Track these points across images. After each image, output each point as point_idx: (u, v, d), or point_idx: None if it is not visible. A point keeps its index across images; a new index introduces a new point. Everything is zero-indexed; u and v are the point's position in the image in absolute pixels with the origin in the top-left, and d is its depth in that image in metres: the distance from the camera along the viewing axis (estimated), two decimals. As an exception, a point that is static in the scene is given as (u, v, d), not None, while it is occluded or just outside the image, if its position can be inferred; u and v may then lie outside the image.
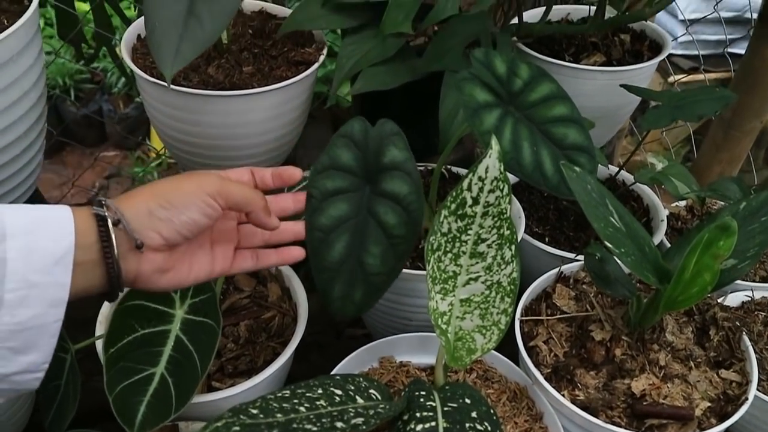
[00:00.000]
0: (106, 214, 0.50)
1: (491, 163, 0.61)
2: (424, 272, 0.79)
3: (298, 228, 0.66)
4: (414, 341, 0.77)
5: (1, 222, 0.45)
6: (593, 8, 1.08)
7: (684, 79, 1.97)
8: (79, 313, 0.81)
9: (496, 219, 0.63)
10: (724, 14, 2.05)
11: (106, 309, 0.78)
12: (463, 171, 0.97)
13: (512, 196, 0.67)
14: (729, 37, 2.45)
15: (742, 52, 2.24)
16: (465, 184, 0.61)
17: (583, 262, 0.83)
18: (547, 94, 0.74)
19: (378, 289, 0.71)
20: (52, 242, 0.47)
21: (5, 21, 0.79)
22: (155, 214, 0.52)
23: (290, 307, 0.81)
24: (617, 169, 1.01)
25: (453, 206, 0.62)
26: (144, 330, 0.69)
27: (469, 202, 0.62)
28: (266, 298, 0.82)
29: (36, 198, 0.99)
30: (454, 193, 0.61)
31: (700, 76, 2.06)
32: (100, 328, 0.76)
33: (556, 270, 0.82)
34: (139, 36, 0.92)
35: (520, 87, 0.73)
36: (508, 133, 0.71)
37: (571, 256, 0.85)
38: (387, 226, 0.70)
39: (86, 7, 1.15)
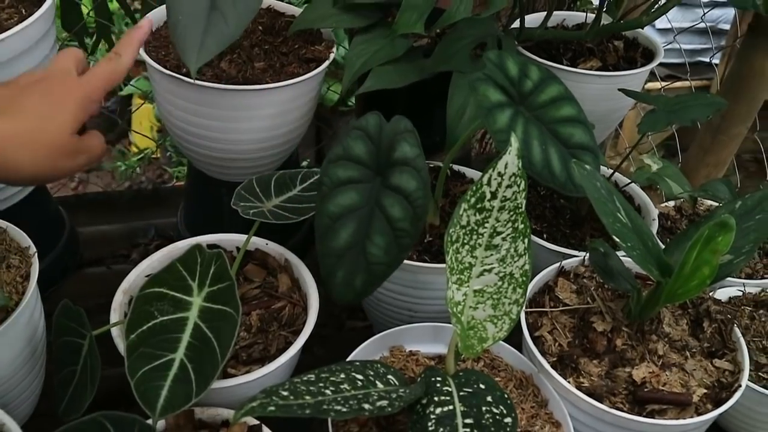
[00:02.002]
0: None
1: (510, 159, 0.64)
2: (429, 265, 0.83)
3: None
4: (422, 331, 0.79)
5: None
6: (589, 15, 1.13)
7: (658, 86, 2.04)
8: (90, 301, 0.83)
9: (511, 213, 0.66)
10: (700, 24, 2.13)
11: (119, 296, 0.79)
12: (464, 169, 1.00)
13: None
14: (704, 46, 2.54)
15: (716, 61, 2.32)
16: (485, 178, 0.64)
17: (581, 258, 0.87)
18: (556, 96, 0.77)
19: (378, 277, 0.74)
20: None
21: (23, 11, 0.80)
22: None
23: (300, 298, 0.83)
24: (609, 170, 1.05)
25: (473, 200, 0.65)
26: (163, 317, 0.71)
27: (488, 196, 0.65)
28: (276, 289, 0.84)
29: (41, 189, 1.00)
30: (474, 188, 0.64)
31: (676, 84, 2.14)
32: (114, 316, 0.77)
33: (557, 264, 0.85)
34: (153, 30, 0.93)
35: (530, 88, 0.77)
36: (519, 132, 0.75)
37: (572, 252, 0.89)
38: (393, 218, 0.72)
39: (88, -2, 1.16)
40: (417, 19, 0.82)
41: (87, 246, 1.10)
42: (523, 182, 0.65)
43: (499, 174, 0.64)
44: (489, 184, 0.64)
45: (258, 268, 0.86)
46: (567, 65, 1.03)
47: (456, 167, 1.01)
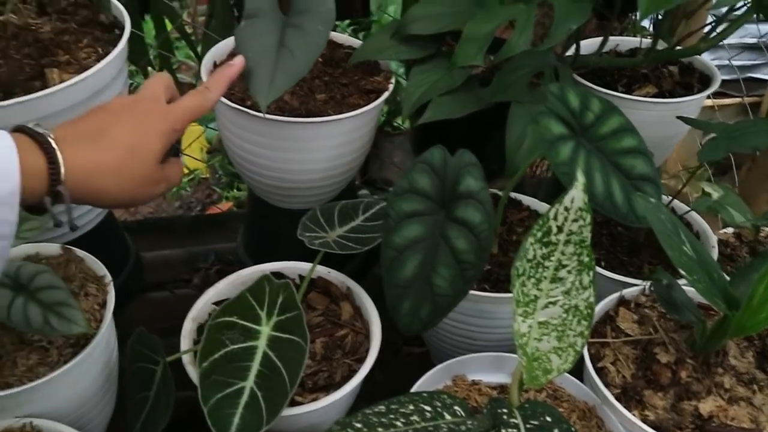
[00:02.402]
0: (60, 161, 0.54)
1: (576, 194, 0.64)
2: (490, 294, 0.84)
3: None
4: (484, 361, 0.80)
5: None
6: (644, 41, 1.13)
7: (709, 103, 2.01)
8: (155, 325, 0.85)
9: (577, 246, 0.66)
10: (747, 40, 2.10)
11: (189, 324, 0.82)
12: (520, 196, 1.01)
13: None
14: (755, 62, 2.50)
15: (764, 77, 2.28)
16: (551, 213, 0.65)
17: (641, 287, 0.86)
18: (617, 127, 0.78)
19: (444, 309, 0.75)
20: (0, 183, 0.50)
21: (100, 50, 0.84)
22: (95, 148, 0.58)
23: (362, 325, 0.85)
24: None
25: (539, 234, 0.66)
26: (233, 345, 0.73)
27: (554, 230, 0.65)
28: (339, 317, 0.85)
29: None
30: (540, 222, 0.65)
31: (727, 101, 2.11)
32: (185, 343, 0.80)
33: (617, 294, 0.85)
34: (215, 63, 0.96)
35: (591, 120, 0.77)
36: (581, 164, 0.75)
37: (631, 281, 0.89)
38: (458, 250, 0.74)
39: (151, 29, 1.20)
40: (476, 51, 0.83)
41: (149, 270, 1.13)
42: (588, 216, 0.65)
43: (566, 209, 0.65)
44: (555, 218, 0.65)
45: (321, 296, 0.88)
46: (623, 92, 1.03)
47: (512, 194, 1.01)
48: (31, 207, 0.56)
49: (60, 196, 0.55)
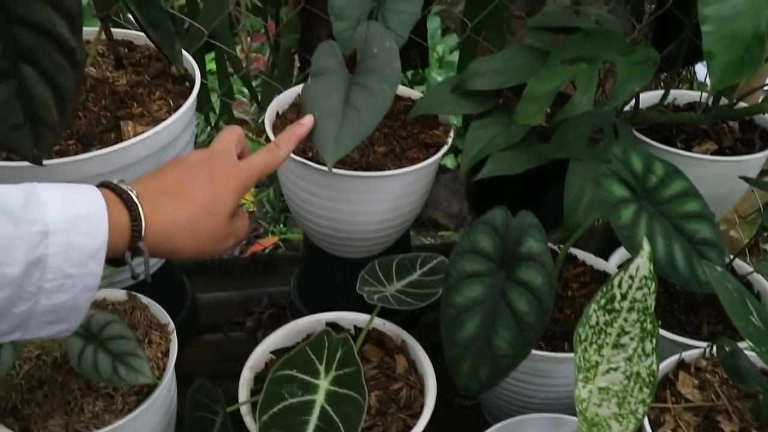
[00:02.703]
0: (142, 217, 0.57)
1: (642, 263, 0.64)
2: (548, 354, 0.84)
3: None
4: (541, 423, 0.80)
5: (44, 220, 0.50)
6: (701, 94, 1.12)
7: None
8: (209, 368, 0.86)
9: (640, 314, 0.66)
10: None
11: (246, 373, 0.83)
12: (575, 250, 1.01)
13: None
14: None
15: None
16: (616, 281, 0.65)
17: (701, 350, 0.85)
18: (680, 191, 0.77)
19: (504, 370, 0.75)
20: (89, 239, 0.52)
21: (171, 102, 0.87)
22: (173, 205, 0.60)
23: (417, 380, 0.85)
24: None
25: (603, 301, 0.65)
26: (292, 399, 0.74)
27: (618, 297, 0.65)
28: (393, 370, 0.86)
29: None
30: (604, 289, 0.65)
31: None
32: (242, 392, 0.81)
33: (676, 357, 0.84)
34: (278, 113, 0.99)
35: (654, 183, 0.77)
36: (643, 227, 0.75)
37: (690, 342, 0.87)
38: (518, 312, 0.74)
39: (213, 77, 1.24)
40: (537, 110, 0.84)
41: (204, 312, 1.15)
42: (653, 285, 0.65)
43: (630, 277, 0.65)
44: (620, 286, 0.65)
45: (375, 348, 0.89)
46: (681, 147, 1.03)
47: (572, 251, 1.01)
48: (110, 260, 0.59)
49: (139, 251, 0.58)
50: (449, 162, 2.15)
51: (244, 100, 2.45)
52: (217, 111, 1.22)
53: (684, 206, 0.77)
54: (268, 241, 2.50)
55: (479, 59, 0.95)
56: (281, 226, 2.43)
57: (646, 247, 0.64)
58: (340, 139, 0.74)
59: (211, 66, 1.44)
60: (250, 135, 2.30)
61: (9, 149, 0.68)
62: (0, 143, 0.68)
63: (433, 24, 3.08)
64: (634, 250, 0.74)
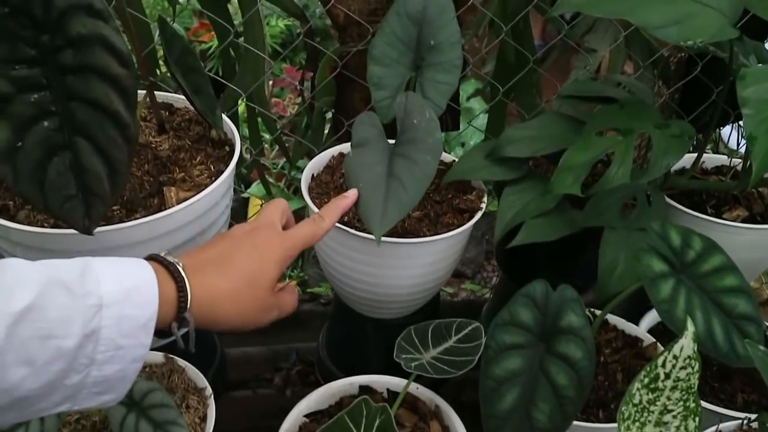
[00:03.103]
0: (188, 289, 0.58)
1: (686, 343, 0.64)
2: (586, 424, 0.83)
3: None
4: (578, 494, 0.79)
5: (99, 292, 0.51)
6: (731, 160, 1.13)
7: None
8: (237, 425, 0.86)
9: (683, 392, 0.66)
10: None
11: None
12: (607, 315, 1.01)
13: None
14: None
15: None
16: (660, 361, 0.65)
17: (738, 421, 0.84)
18: (718, 266, 0.78)
19: (543, 443, 0.75)
20: (140, 310, 0.53)
21: (212, 167, 0.88)
22: (218, 273, 0.61)
23: (451, 447, 0.85)
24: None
25: (646, 380, 0.66)
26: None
27: (662, 377, 0.65)
28: (428, 436, 0.86)
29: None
30: (648, 368, 0.65)
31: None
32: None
33: (713, 428, 0.83)
34: (313, 175, 1.00)
35: (693, 258, 0.78)
36: (681, 302, 0.75)
37: (725, 411, 0.87)
38: (557, 386, 0.74)
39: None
40: (573, 181, 0.85)
41: (232, 368, 1.16)
42: (697, 364, 0.65)
43: (674, 357, 0.65)
44: (663, 365, 0.65)
45: (409, 412, 0.89)
46: (712, 213, 1.04)
47: (598, 312, 1.01)
48: (157, 331, 0.59)
49: (185, 322, 0.59)
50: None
51: (267, 147, 2.49)
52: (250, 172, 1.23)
53: (722, 281, 0.78)
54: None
55: (514, 126, 0.97)
56: (297, 270, 2.43)
57: (690, 327, 0.65)
58: (387, 211, 0.75)
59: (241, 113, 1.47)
60: (270, 179, 2.33)
61: (61, 219, 0.70)
62: (52, 214, 0.69)
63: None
64: (674, 325, 0.74)
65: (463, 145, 2.80)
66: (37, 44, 0.66)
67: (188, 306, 0.58)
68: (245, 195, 2.63)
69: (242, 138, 0.93)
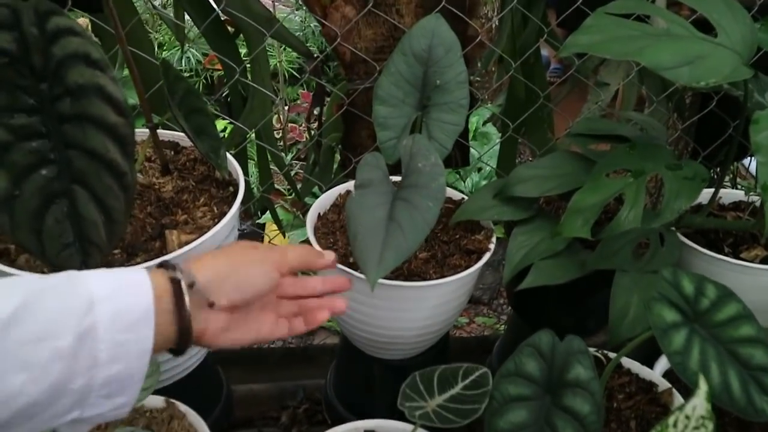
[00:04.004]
0: (180, 277, 0.56)
1: (699, 402, 0.62)
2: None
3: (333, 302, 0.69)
4: None
5: (88, 290, 0.51)
6: (749, 197, 1.10)
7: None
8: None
9: (697, 453, 0.63)
10: None
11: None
12: (623, 359, 0.98)
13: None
14: None
15: None
16: (671, 420, 0.62)
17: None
18: (734, 314, 0.75)
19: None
20: (135, 302, 0.52)
21: (215, 208, 0.87)
22: (226, 280, 0.59)
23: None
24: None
25: (657, 441, 0.63)
26: None
27: (673, 437, 0.63)
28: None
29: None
30: (659, 427, 0.62)
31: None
32: None
33: (731, 483, 0.80)
34: (319, 214, 0.99)
35: (707, 306, 0.75)
36: (695, 353, 0.72)
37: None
38: (565, 439, 0.71)
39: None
40: (583, 224, 0.83)
41: (238, 405, 1.14)
42: (711, 425, 0.62)
43: (687, 417, 0.62)
44: (675, 425, 0.62)
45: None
46: (729, 252, 1.00)
47: (611, 354, 0.98)
48: (173, 350, 0.58)
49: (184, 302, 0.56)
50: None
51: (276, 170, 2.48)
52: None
53: (738, 330, 0.75)
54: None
55: (523, 165, 0.95)
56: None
57: (703, 386, 0.62)
58: (384, 257, 0.74)
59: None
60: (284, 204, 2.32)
61: (57, 267, 0.69)
62: (49, 262, 0.69)
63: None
64: (687, 378, 0.71)
65: (479, 170, 2.78)
66: (36, 93, 0.66)
67: (183, 287, 0.56)
68: (261, 220, 2.64)
69: (251, 172, 0.91)
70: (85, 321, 0.49)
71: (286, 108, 2.99)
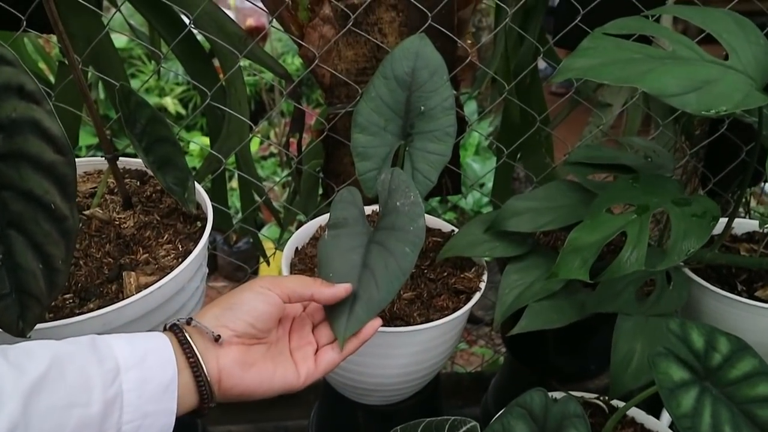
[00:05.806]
0: (180, 323, 0.58)
1: (710, 483, 0.54)
2: None
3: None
4: None
5: (114, 357, 0.51)
6: (764, 228, 1.02)
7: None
8: None
9: None
10: None
11: None
12: (636, 411, 0.90)
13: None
14: None
15: None
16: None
17: None
18: (750, 371, 0.67)
19: None
20: (161, 371, 0.52)
21: (180, 246, 0.80)
22: (221, 316, 0.59)
23: None
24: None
25: None
26: None
27: None
28: None
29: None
30: None
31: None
32: None
33: None
34: (297, 249, 0.92)
35: (719, 362, 0.67)
36: (707, 416, 0.64)
37: None
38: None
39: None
40: (581, 265, 0.75)
41: (216, 449, 1.07)
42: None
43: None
44: None
45: None
46: (742, 290, 0.93)
47: (615, 403, 0.90)
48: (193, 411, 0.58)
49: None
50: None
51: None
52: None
53: (754, 389, 0.67)
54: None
55: (518, 197, 0.88)
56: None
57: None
58: (355, 311, 0.66)
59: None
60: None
61: (-7, 321, 0.62)
62: (-17, 315, 0.62)
63: (470, 108, 3.04)
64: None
65: (482, 186, 2.70)
66: (-35, 129, 0.59)
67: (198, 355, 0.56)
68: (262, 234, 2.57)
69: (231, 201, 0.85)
70: (112, 388, 0.50)
71: (283, 122, 2.92)
